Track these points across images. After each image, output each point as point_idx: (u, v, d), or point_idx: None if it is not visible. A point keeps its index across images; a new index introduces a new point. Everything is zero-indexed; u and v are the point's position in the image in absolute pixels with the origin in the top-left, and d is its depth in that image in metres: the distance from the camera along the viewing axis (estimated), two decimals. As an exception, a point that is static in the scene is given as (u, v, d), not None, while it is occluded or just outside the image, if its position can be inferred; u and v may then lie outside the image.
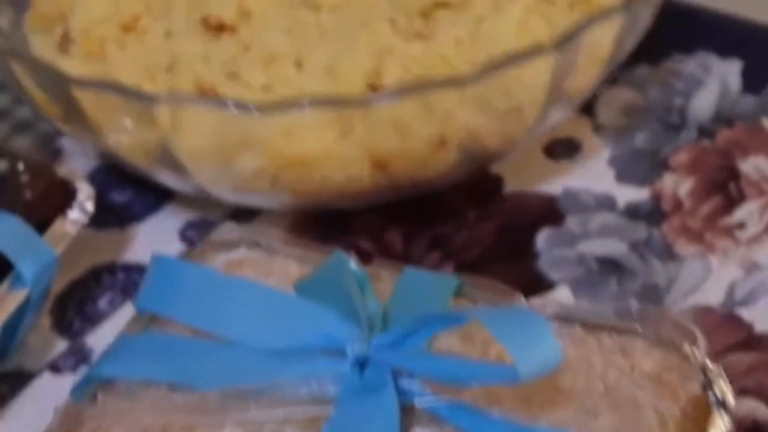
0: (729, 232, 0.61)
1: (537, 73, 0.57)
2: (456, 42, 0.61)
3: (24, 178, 0.58)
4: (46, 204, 0.58)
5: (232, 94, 0.59)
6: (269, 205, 0.63)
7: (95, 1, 0.65)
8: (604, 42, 0.59)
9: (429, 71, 0.59)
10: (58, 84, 0.58)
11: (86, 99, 0.58)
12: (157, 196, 0.65)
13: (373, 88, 0.59)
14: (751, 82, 0.68)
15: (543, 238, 0.62)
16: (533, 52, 0.57)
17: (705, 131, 0.66)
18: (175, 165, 0.59)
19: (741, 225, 0.62)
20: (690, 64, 0.69)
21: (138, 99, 0.56)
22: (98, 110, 0.59)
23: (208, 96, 0.59)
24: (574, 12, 0.61)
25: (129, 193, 0.65)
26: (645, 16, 0.61)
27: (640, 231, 0.62)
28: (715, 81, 0.68)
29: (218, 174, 0.59)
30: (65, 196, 0.58)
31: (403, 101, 0.56)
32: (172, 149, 0.58)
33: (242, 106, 0.55)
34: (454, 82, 0.56)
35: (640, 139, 0.66)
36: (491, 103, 0.58)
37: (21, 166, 0.59)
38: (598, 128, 0.67)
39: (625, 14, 0.58)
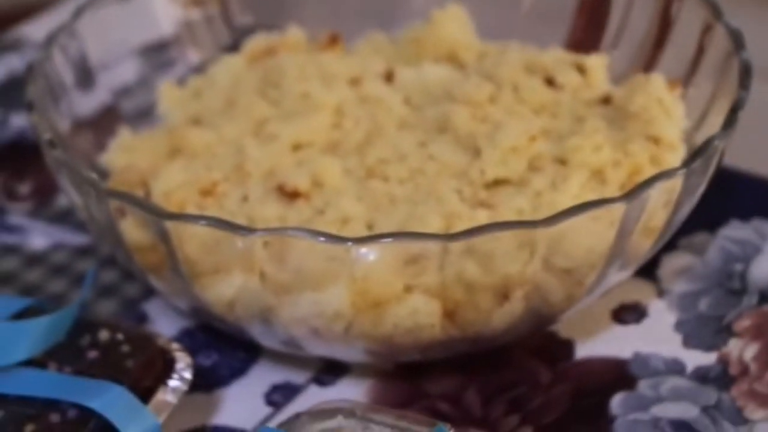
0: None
1: (599, 232, 0.60)
2: (518, 211, 0.64)
3: (125, 348, 0.60)
4: (147, 373, 0.59)
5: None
6: (344, 356, 0.64)
7: (176, 169, 0.68)
8: (662, 204, 0.62)
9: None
10: (159, 222, 0.59)
11: (185, 238, 0.59)
12: (242, 360, 0.67)
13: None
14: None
15: (617, 402, 0.63)
16: (603, 202, 0.59)
17: (766, 297, 0.68)
18: (262, 305, 0.61)
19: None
20: (747, 231, 0.72)
21: (237, 232, 0.58)
22: (197, 251, 0.60)
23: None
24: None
25: (215, 356, 0.67)
26: (701, 182, 0.63)
27: (710, 395, 0.63)
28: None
29: (300, 311, 0.61)
30: (164, 365, 0.60)
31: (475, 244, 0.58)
32: (263, 287, 0.60)
33: (336, 239, 0.58)
34: (527, 225, 0.58)
35: (704, 305, 0.68)
36: (553, 259, 0.60)
37: (121, 336, 0.61)
38: (662, 293, 0.69)
39: (685, 175, 0.61)
